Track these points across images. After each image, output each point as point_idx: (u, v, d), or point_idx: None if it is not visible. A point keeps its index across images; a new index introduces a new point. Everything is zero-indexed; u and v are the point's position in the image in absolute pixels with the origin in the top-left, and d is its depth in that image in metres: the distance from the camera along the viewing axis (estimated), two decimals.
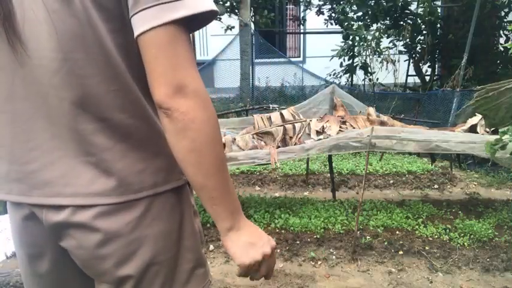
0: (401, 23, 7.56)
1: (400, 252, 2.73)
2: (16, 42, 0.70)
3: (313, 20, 9.86)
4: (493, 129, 3.31)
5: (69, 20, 0.69)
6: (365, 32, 7.70)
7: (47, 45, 0.70)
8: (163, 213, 0.80)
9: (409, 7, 7.54)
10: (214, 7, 0.69)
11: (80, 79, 0.71)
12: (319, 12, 9.48)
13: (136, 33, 0.67)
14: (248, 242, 0.77)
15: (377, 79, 8.04)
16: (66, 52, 0.70)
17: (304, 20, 10.72)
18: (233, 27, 8.41)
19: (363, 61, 8.03)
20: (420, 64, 8.06)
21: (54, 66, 0.70)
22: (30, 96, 0.73)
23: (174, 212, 0.82)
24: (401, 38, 7.64)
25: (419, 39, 7.83)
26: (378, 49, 7.80)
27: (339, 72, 8.56)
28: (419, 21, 7.57)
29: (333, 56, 8.08)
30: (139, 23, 0.66)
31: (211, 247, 2.83)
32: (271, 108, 4.52)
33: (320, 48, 9.11)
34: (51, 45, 0.69)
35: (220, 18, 7.87)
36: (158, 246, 0.79)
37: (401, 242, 2.83)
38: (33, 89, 0.72)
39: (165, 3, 0.65)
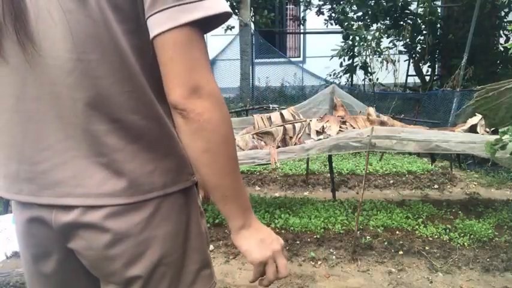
0: (401, 23, 7.57)
1: (400, 252, 2.73)
2: (27, 43, 0.69)
3: (313, 20, 9.86)
4: (493, 129, 3.32)
5: (84, 21, 0.68)
6: (365, 32, 7.71)
7: (61, 45, 0.69)
8: (172, 214, 0.80)
9: (409, 7, 7.55)
10: (229, 9, 0.70)
11: (94, 80, 0.71)
12: (319, 12, 9.49)
13: (152, 35, 0.67)
14: (259, 239, 0.78)
15: (377, 79, 8.05)
16: (80, 53, 0.69)
17: (304, 20, 10.72)
18: (233, 27, 8.41)
19: (363, 61, 8.04)
20: (420, 64, 8.07)
21: (69, 67, 0.70)
22: (42, 96, 0.72)
23: (182, 213, 0.82)
24: (401, 38, 7.65)
25: (419, 39, 7.84)
26: (378, 49, 7.82)
27: (339, 72, 8.57)
28: (419, 21, 7.58)
29: (332, 56, 8.09)
30: (156, 25, 0.67)
31: (212, 247, 2.83)
32: (271, 108, 4.53)
33: (320, 48, 9.11)
34: (65, 46, 0.69)
35: None
36: (166, 247, 0.79)
37: (401, 242, 2.83)
38: (46, 89, 0.72)
39: (182, 4, 0.66)
